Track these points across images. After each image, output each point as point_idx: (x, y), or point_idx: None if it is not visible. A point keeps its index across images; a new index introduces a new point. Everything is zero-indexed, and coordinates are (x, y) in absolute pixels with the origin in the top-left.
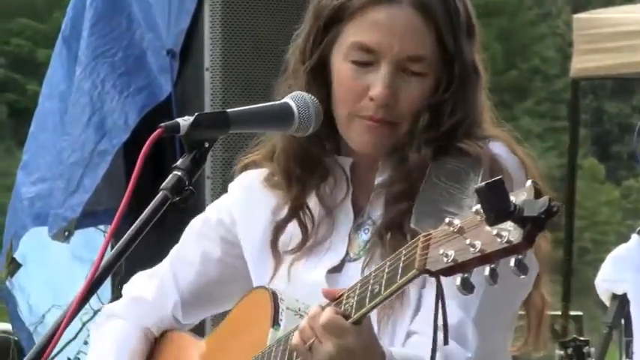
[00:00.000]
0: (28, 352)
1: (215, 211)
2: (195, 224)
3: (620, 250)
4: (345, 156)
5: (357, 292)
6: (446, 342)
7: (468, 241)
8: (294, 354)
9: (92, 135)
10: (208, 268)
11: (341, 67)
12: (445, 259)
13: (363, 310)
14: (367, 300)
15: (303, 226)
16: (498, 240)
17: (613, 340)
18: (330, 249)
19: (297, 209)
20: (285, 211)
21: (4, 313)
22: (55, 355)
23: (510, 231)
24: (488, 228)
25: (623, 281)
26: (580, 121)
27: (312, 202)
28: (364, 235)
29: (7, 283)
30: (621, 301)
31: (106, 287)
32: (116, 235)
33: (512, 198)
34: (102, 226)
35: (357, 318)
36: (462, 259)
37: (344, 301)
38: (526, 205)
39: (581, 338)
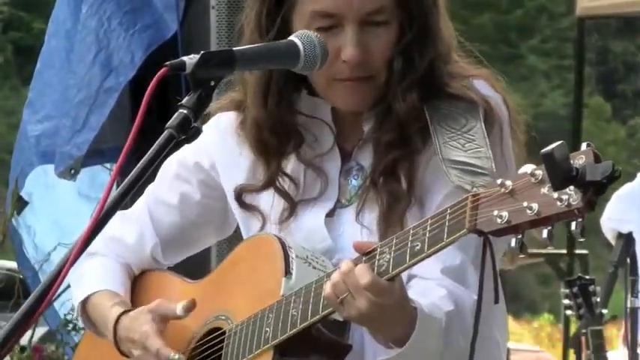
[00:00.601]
0: (34, 291)
1: (192, 154)
2: (171, 167)
3: (625, 189)
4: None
5: (394, 247)
6: (496, 301)
7: (525, 204)
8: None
9: (98, 73)
10: (187, 210)
11: None
12: (499, 220)
13: (402, 267)
14: (407, 257)
15: (283, 192)
16: (558, 204)
17: (618, 278)
18: (322, 196)
19: (273, 179)
20: (260, 179)
21: (9, 251)
22: (61, 293)
23: (571, 195)
24: (545, 191)
25: (629, 220)
26: (586, 60)
27: (291, 163)
28: (354, 181)
29: (13, 221)
30: (627, 240)
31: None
32: (122, 173)
33: (571, 162)
34: (108, 164)
35: (394, 274)
36: (517, 221)
37: (377, 257)
38: (588, 170)
39: (587, 277)
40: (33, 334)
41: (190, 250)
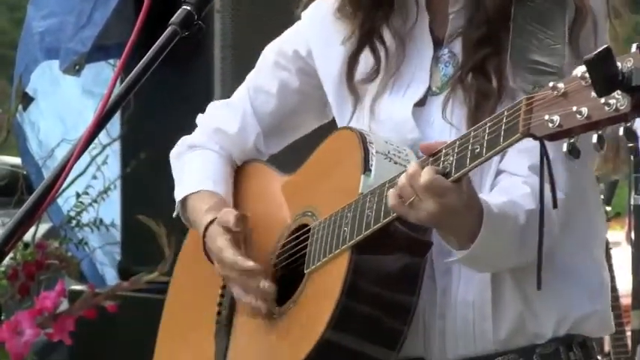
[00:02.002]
0: (37, 187)
1: (290, 42)
2: (270, 54)
3: None
4: None
5: (457, 150)
6: (555, 206)
7: (574, 108)
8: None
9: None
10: (287, 98)
11: None
12: (551, 125)
13: (464, 169)
14: (468, 160)
15: (375, 53)
16: (606, 108)
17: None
18: (413, 81)
19: (368, 36)
20: (356, 41)
21: (13, 147)
22: (64, 189)
23: (618, 99)
24: (594, 95)
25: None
26: None
27: (385, 33)
28: (445, 69)
29: (18, 117)
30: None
31: (115, 121)
32: (126, 69)
33: (618, 64)
34: (112, 60)
35: (457, 177)
36: (568, 125)
37: (442, 158)
38: (634, 74)
39: None
40: (36, 230)
41: (291, 138)
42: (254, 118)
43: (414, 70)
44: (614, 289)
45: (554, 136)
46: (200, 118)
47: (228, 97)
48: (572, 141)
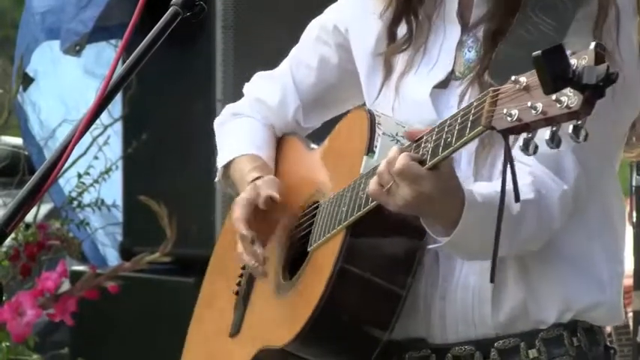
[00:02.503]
0: (39, 167)
1: (332, 18)
2: (313, 29)
3: None
4: None
5: (434, 137)
6: (517, 199)
7: (529, 103)
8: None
9: None
10: (327, 73)
11: None
12: (509, 119)
13: (436, 158)
14: (441, 149)
15: (409, 25)
16: (558, 105)
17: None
18: (438, 63)
19: (404, 9)
20: (392, 13)
21: (15, 127)
22: (66, 170)
23: (570, 96)
24: (547, 94)
25: None
26: None
27: (419, 12)
28: (468, 54)
29: (19, 97)
30: None
31: (117, 102)
32: (128, 50)
33: (573, 62)
34: (113, 41)
35: (431, 165)
36: (526, 120)
37: (422, 145)
38: (585, 72)
39: None
40: (38, 211)
41: (332, 113)
42: (294, 90)
43: (439, 51)
44: None
45: (514, 130)
46: (246, 87)
47: (229, 78)
48: (529, 136)
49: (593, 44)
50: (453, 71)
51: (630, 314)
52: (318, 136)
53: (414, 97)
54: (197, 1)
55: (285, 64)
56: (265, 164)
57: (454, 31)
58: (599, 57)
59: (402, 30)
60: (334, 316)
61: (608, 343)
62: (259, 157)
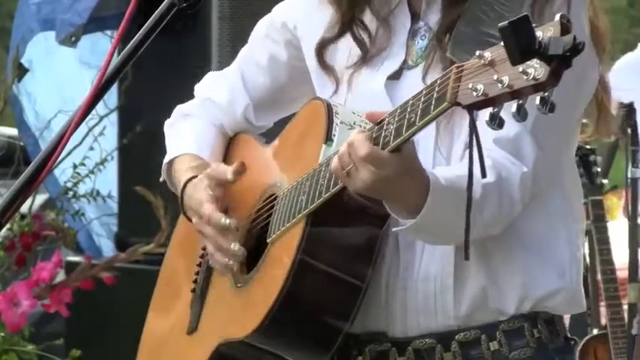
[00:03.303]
0: (34, 158)
1: (280, 15)
2: (262, 27)
3: (626, 59)
4: None
5: (397, 118)
6: (484, 175)
7: (495, 77)
8: (334, 180)
9: None
10: (276, 71)
11: None
12: (475, 93)
13: (400, 139)
14: (404, 129)
15: (358, 40)
16: (524, 77)
17: (619, 149)
18: (389, 56)
19: (350, 23)
20: (337, 28)
21: (10, 118)
22: (61, 160)
23: (536, 68)
24: (514, 66)
25: (630, 90)
26: None
27: (367, 16)
28: (421, 42)
29: (14, 88)
30: (628, 110)
31: (113, 93)
32: (123, 40)
33: (538, 34)
34: (109, 31)
35: (394, 146)
36: (492, 94)
37: (384, 127)
38: (551, 43)
39: (587, 147)
40: (33, 201)
41: (285, 111)
42: (244, 89)
43: (391, 43)
44: (610, 262)
45: (480, 105)
46: (197, 88)
47: (225, 68)
48: (495, 111)
49: (558, 15)
50: (405, 61)
51: (625, 307)
52: (274, 134)
53: (368, 90)
54: None
55: (234, 64)
56: (204, 164)
57: (405, 21)
58: (565, 28)
59: (349, 43)
60: (295, 307)
61: (568, 334)
62: (198, 157)
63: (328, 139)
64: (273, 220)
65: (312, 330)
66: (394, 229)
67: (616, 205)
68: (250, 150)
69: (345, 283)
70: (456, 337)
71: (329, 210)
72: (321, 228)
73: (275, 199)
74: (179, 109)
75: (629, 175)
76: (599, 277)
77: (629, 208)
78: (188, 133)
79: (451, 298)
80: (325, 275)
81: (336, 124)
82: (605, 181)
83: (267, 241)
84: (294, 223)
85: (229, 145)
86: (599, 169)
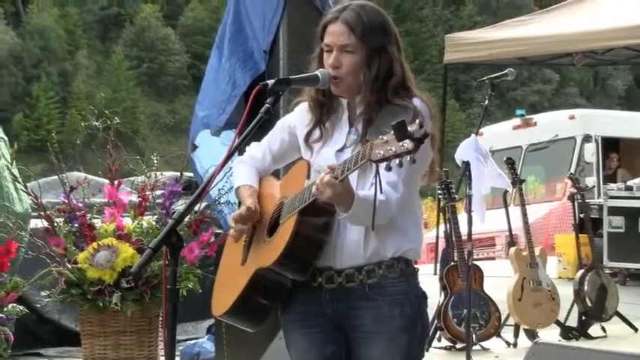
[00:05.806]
0: (200, 186)
1: (288, 119)
2: (278, 124)
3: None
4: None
5: (342, 167)
6: (381, 192)
7: (389, 147)
8: (312, 194)
9: (229, 88)
10: (284, 144)
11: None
12: (379, 155)
13: (344, 175)
14: (346, 170)
15: (321, 132)
16: (402, 147)
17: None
18: (338, 141)
19: (318, 123)
20: (312, 125)
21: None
22: (213, 187)
23: (408, 143)
24: (398, 142)
25: (467, 155)
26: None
27: (328, 122)
28: (352, 137)
29: (192, 155)
30: (466, 165)
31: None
32: (239, 135)
33: (409, 128)
34: (234, 129)
35: (342, 178)
36: (386, 155)
37: (337, 169)
38: (415, 132)
39: (448, 180)
40: (200, 205)
41: (286, 162)
42: (269, 152)
43: (338, 137)
44: (458, 232)
45: (381, 160)
46: (247, 149)
47: None
48: (388, 164)
49: (417, 121)
50: (345, 144)
51: (465, 254)
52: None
53: (326, 157)
54: (271, 112)
55: (264, 139)
56: (255, 190)
57: (345, 126)
58: (421, 125)
59: (317, 131)
60: (294, 250)
61: (416, 268)
62: (252, 186)
63: (308, 176)
64: (282, 213)
65: (301, 262)
66: (339, 217)
67: (460, 207)
68: (271, 183)
69: (316, 239)
70: (364, 268)
71: (310, 208)
72: (306, 216)
73: (282, 204)
74: (239, 158)
75: (467, 193)
76: (453, 239)
77: (468, 208)
78: (245, 172)
79: (362, 249)
80: (308, 236)
81: (312, 172)
82: (456, 196)
83: (279, 222)
84: (293, 214)
85: (260, 180)
86: (453, 189)
